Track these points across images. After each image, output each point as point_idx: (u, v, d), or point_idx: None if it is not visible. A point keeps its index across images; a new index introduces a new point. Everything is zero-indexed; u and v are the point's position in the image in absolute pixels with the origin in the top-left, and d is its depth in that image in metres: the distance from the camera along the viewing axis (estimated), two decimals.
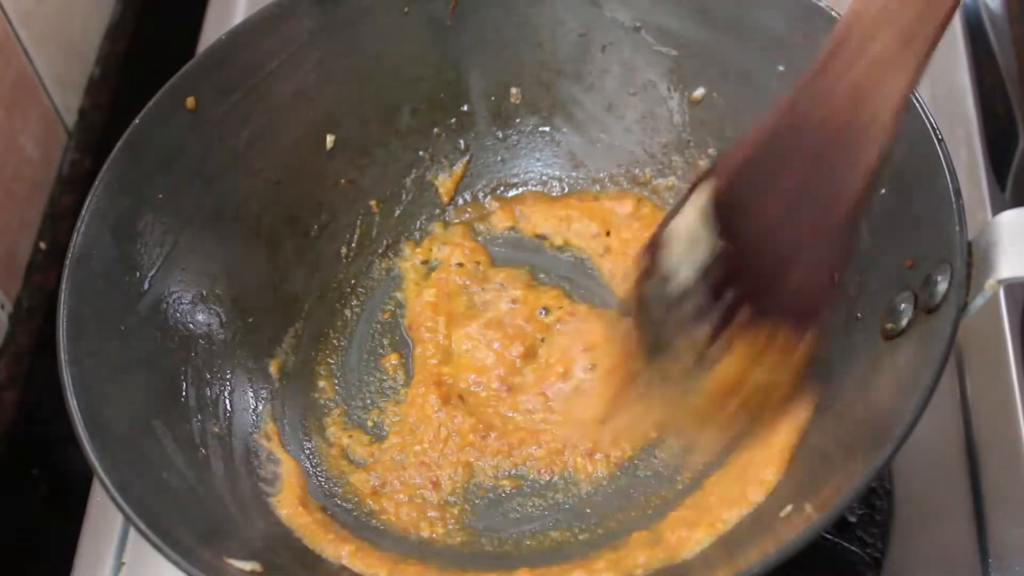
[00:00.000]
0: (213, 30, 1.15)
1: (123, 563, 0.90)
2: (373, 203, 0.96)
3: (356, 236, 0.96)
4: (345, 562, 0.79)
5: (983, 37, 1.10)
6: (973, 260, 0.69)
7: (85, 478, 0.93)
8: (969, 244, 0.70)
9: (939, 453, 0.88)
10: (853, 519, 0.84)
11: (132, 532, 0.90)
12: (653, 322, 0.77)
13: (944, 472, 0.87)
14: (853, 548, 0.83)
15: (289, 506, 0.82)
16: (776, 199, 0.72)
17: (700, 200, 0.73)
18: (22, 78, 1.03)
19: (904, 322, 0.72)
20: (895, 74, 0.67)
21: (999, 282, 0.67)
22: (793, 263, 0.72)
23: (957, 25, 1.09)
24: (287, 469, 0.85)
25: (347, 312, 0.94)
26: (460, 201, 0.99)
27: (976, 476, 0.87)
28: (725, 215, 0.73)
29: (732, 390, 0.76)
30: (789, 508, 0.71)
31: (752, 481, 0.77)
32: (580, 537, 0.82)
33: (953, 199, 0.71)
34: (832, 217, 0.71)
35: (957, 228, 0.70)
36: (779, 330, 0.73)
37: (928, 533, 0.85)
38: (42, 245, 1.05)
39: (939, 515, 0.86)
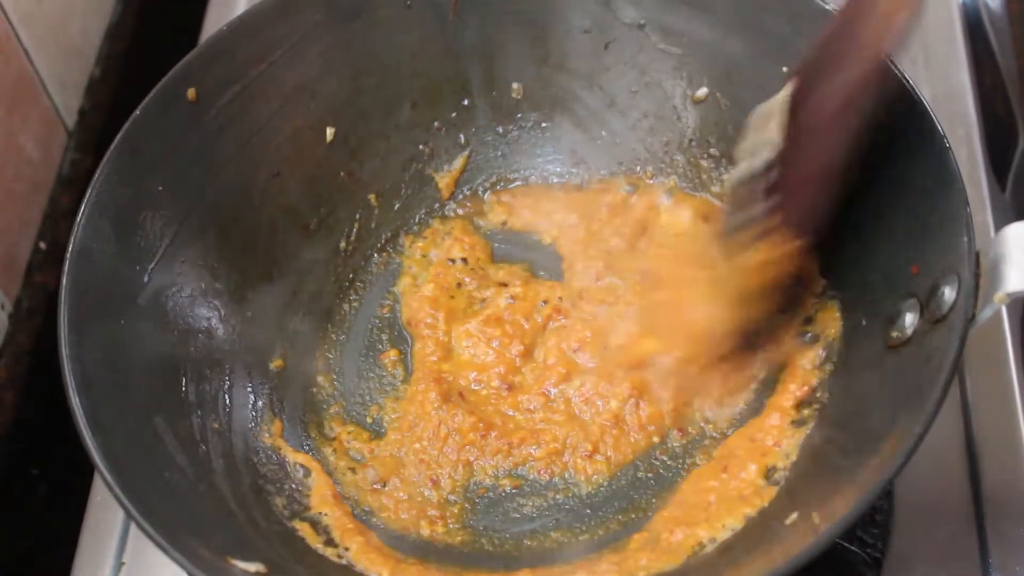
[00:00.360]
0: (213, 30, 1.14)
1: (123, 563, 0.90)
2: (372, 196, 0.96)
3: (355, 230, 0.96)
4: (350, 559, 0.79)
5: (983, 37, 1.10)
6: (981, 271, 0.69)
7: (85, 478, 0.93)
8: (977, 254, 0.69)
9: (939, 453, 0.88)
10: None
11: (132, 532, 0.90)
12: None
13: (944, 472, 0.87)
14: (853, 548, 0.83)
15: (320, 497, 0.83)
16: (807, 108, 0.75)
17: (781, 100, 0.76)
18: (22, 78, 1.03)
19: (909, 331, 0.72)
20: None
21: (1008, 295, 0.67)
22: (807, 173, 0.76)
23: (957, 25, 1.09)
24: (312, 465, 0.85)
25: (345, 307, 0.94)
26: (459, 196, 0.99)
27: (976, 476, 0.87)
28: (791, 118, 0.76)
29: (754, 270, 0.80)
30: (795, 516, 0.71)
31: (738, 479, 0.78)
32: (580, 538, 0.82)
33: (963, 208, 0.71)
34: (822, 120, 0.73)
35: (965, 238, 0.70)
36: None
37: (928, 533, 0.85)
38: (42, 245, 1.05)
39: (939, 515, 0.86)
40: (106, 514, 0.91)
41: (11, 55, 1.02)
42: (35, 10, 1.05)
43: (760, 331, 0.84)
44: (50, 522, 0.98)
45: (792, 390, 0.81)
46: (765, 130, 0.76)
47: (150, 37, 1.20)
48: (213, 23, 1.17)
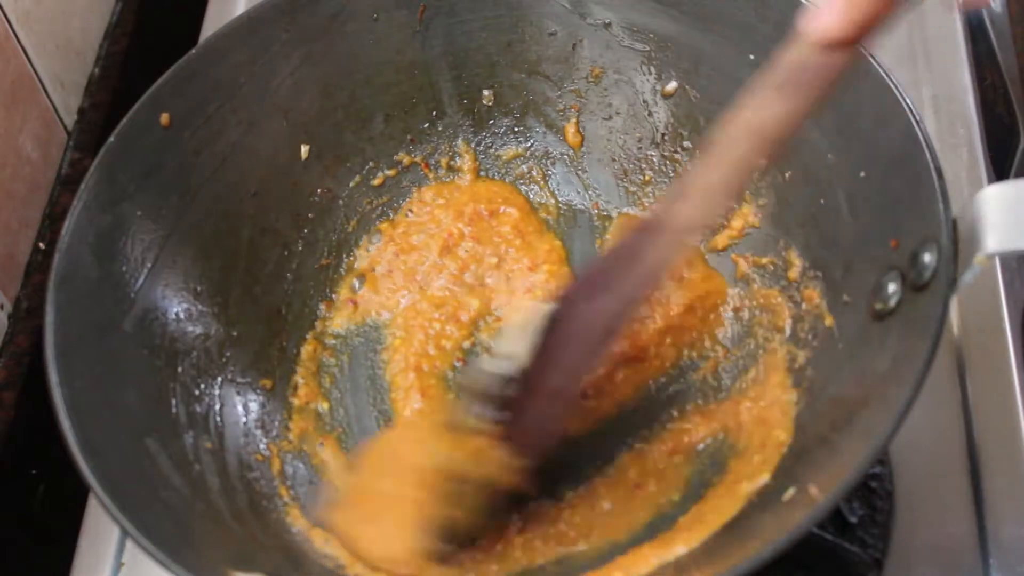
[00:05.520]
0: (213, 30, 1.14)
1: (123, 563, 0.90)
2: (350, 212, 0.96)
3: (334, 246, 0.95)
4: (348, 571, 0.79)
5: (983, 37, 1.10)
6: (960, 236, 0.68)
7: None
8: (954, 220, 0.69)
9: (939, 453, 0.88)
10: (854, 519, 0.84)
11: None
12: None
13: (944, 472, 0.87)
14: (854, 548, 0.83)
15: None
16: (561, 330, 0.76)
17: (541, 315, 0.76)
18: (22, 78, 1.03)
19: (893, 302, 0.72)
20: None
21: (988, 256, 0.66)
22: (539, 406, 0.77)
23: (958, 25, 1.09)
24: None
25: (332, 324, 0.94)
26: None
27: (976, 476, 0.87)
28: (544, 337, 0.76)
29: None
30: (792, 492, 0.70)
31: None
32: None
33: (935, 177, 0.71)
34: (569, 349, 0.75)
35: (941, 206, 0.70)
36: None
37: (928, 533, 0.85)
38: (42, 245, 1.04)
39: (939, 515, 0.86)
40: (105, 515, 0.91)
41: (10, 55, 1.01)
42: (34, 10, 1.05)
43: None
44: (50, 522, 0.98)
45: None
46: (517, 341, 0.76)
47: (150, 37, 1.20)
48: (213, 23, 1.17)
